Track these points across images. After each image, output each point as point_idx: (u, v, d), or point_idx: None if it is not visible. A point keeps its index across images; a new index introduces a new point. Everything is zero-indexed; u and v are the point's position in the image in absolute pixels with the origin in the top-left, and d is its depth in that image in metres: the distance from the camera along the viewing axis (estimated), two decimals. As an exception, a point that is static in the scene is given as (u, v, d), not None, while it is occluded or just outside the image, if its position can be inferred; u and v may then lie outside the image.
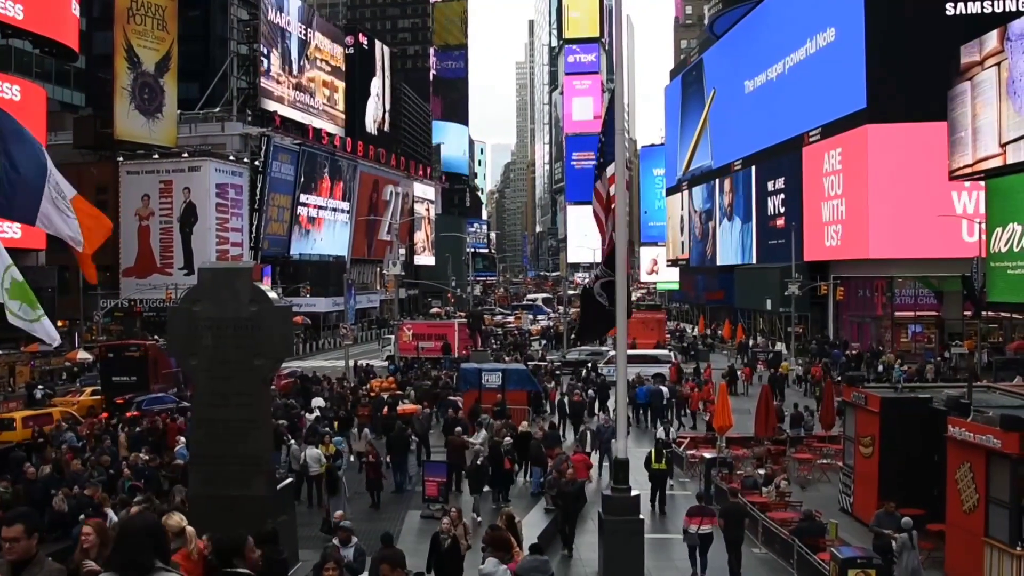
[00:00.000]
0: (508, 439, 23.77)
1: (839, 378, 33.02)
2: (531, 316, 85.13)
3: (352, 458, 25.25)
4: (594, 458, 24.90)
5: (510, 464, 23.08)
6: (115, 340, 58.55)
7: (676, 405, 34.30)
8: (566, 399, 33.64)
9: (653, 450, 21.95)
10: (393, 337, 54.18)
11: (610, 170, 16.42)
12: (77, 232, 11.28)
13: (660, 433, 26.01)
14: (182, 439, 23.09)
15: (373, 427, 28.44)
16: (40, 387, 41.67)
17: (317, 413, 30.05)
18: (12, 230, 47.12)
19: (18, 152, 10.52)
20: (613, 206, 16.06)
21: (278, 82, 79.13)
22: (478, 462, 21.59)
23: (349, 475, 22.40)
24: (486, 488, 21.84)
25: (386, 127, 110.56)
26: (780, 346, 55.47)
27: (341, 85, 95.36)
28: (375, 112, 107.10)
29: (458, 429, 24.69)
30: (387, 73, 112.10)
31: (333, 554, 12.50)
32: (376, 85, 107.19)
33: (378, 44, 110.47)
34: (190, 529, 8.94)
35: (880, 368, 41.66)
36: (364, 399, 33.52)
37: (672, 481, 22.95)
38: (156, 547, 5.15)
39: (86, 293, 55.95)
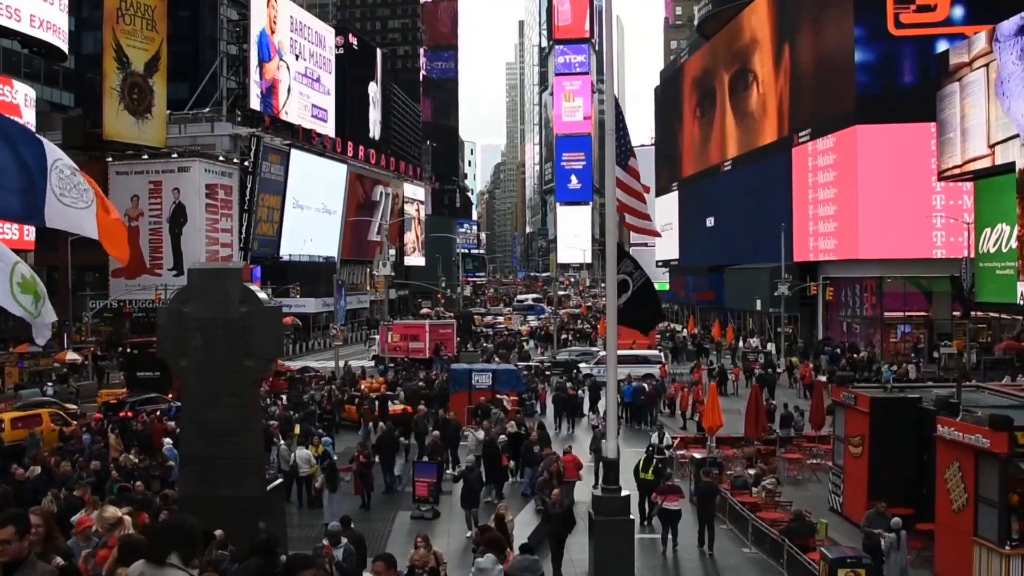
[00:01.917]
0: (503, 437, 23.85)
1: (827, 378, 33.19)
2: (522, 317, 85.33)
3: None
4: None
5: (506, 461, 23.13)
6: (103, 341, 58.54)
7: (647, 403, 34.34)
8: (557, 395, 34.41)
9: (643, 459, 21.29)
10: (378, 337, 54.48)
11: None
12: (90, 223, 11.16)
13: (654, 439, 25.53)
14: (168, 440, 23.02)
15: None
16: (49, 384, 41.79)
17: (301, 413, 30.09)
18: (11, 231, 47.14)
19: (15, 152, 10.46)
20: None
21: (256, 80, 78.79)
22: (454, 472, 20.58)
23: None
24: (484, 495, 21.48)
25: (377, 130, 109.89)
26: (771, 347, 55.62)
27: (331, 85, 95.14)
28: (374, 118, 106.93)
29: (435, 433, 24.57)
30: (379, 77, 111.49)
31: (324, 554, 12.52)
32: (373, 90, 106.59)
33: (378, 52, 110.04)
34: (127, 518, 10.49)
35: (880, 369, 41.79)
36: (355, 400, 33.53)
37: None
38: (173, 543, 6.03)
39: (75, 294, 55.71)
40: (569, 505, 16.62)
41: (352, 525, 15.17)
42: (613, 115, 15.29)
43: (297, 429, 26.59)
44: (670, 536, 18.99)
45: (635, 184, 15.74)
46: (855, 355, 46.09)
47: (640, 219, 16.30)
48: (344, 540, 13.58)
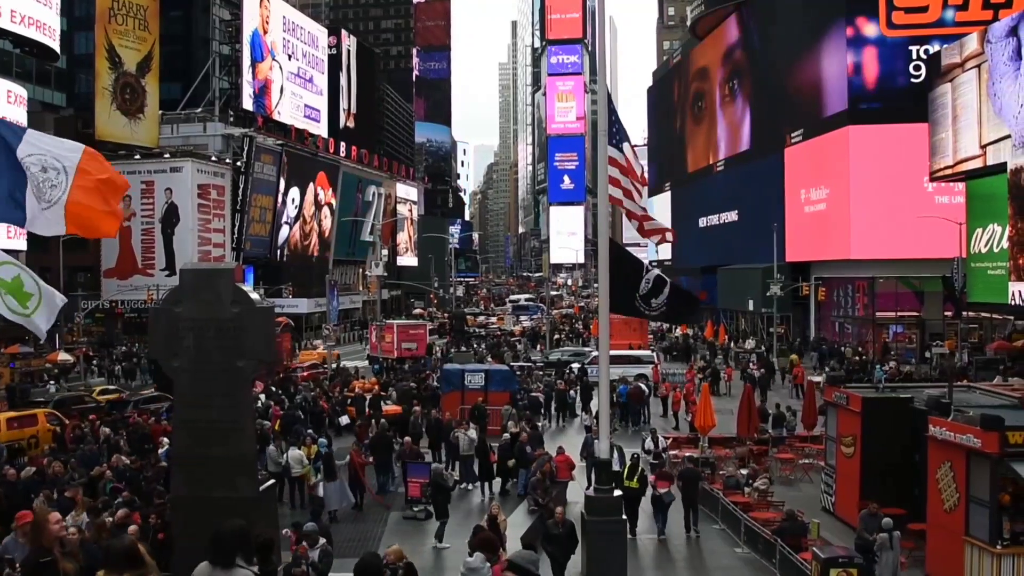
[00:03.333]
0: (506, 435, 23.85)
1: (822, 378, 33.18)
2: (515, 317, 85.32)
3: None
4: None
5: (495, 458, 23.09)
6: (96, 342, 58.34)
7: (633, 404, 34.34)
8: (546, 391, 34.89)
9: (627, 467, 20.55)
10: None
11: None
12: (56, 220, 11.08)
13: (649, 444, 24.89)
14: (166, 440, 22.91)
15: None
16: (52, 383, 41.90)
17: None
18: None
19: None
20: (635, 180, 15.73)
21: (249, 80, 78.61)
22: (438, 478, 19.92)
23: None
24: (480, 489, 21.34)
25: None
26: (762, 348, 55.66)
27: (324, 86, 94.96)
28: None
29: (407, 439, 24.42)
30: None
31: (300, 555, 12.62)
32: (341, 79, 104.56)
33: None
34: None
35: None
36: (348, 401, 33.44)
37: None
38: (239, 548, 6.77)
39: (67, 295, 55.52)
40: (571, 525, 16.07)
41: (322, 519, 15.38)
42: (607, 115, 15.31)
43: (277, 425, 26.52)
44: (661, 524, 19.73)
45: (635, 165, 15.72)
46: (845, 359, 46.07)
47: (643, 217, 16.35)
48: (322, 540, 13.58)
